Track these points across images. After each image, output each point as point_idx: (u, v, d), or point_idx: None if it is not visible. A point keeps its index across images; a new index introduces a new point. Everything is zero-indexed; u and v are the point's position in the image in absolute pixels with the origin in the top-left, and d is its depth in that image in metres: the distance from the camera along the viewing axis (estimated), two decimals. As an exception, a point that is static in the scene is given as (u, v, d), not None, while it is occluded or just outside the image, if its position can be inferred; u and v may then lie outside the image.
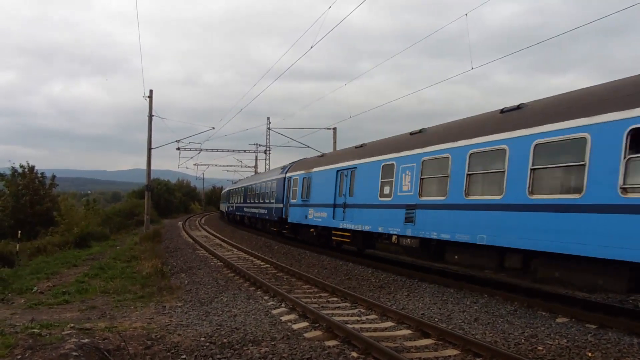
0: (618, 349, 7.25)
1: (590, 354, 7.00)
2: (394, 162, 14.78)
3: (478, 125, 11.97)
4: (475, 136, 11.58)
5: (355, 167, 17.52)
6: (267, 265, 16.70)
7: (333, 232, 19.25)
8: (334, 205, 18.81)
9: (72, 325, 8.04)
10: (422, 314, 9.41)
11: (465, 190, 11.59)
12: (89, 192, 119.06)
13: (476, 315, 9.41)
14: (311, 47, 19.74)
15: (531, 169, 9.80)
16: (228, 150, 57.28)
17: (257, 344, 7.28)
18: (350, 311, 9.71)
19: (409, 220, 13.59)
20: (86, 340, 6.92)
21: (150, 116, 33.01)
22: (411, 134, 15.04)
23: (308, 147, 42.33)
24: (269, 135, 53.13)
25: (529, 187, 9.81)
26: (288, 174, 25.83)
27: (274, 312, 9.54)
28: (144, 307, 10.23)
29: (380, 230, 15.21)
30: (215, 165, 73.42)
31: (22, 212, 37.13)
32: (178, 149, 46.32)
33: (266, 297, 11.05)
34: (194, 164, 77.90)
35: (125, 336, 7.37)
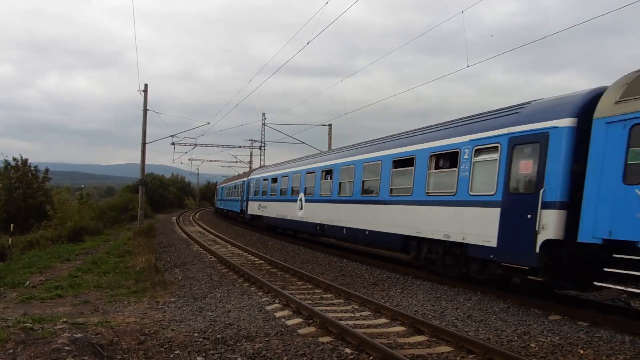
0: (610, 347, 7.30)
1: (582, 352, 7.05)
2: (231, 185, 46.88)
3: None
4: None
5: (223, 186, 54.85)
6: (261, 261, 16.68)
7: (226, 210, 48.72)
8: (220, 200, 56.42)
9: (64, 319, 8.01)
10: (415, 311, 9.44)
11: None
12: (83, 186, 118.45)
13: (469, 312, 9.45)
14: (307, 43, 19.75)
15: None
16: (223, 146, 57.19)
17: (251, 339, 7.27)
18: (344, 307, 9.72)
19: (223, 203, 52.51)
20: (79, 334, 6.89)
21: (145, 110, 32.88)
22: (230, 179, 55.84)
23: (303, 143, 42.37)
24: (264, 131, 53.07)
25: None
26: (218, 186, 63.83)
27: (268, 308, 9.54)
28: (137, 302, 10.21)
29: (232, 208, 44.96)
30: (210, 161, 73.32)
31: (15, 205, 36.87)
32: (173, 143, 46.23)
33: (260, 293, 11.04)
34: (189, 159, 77.73)
35: (118, 331, 7.35)
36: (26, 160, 39.79)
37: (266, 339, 7.32)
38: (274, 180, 27.39)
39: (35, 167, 40.79)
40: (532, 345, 7.34)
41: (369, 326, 8.28)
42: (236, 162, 69.07)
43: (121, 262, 16.57)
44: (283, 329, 7.90)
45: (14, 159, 39.18)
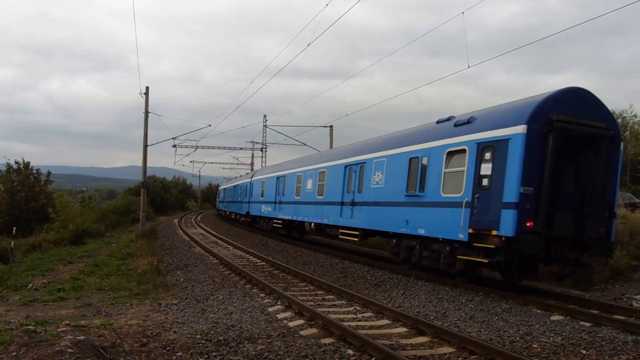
0: (612, 347, 7.30)
1: (584, 352, 7.04)
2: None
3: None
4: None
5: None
6: (263, 263, 16.69)
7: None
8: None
9: (67, 322, 8.03)
10: (417, 312, 9.44)
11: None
12: (85, 188, 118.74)
13: (471, 313, 9.45)
14: (308, 45, 19.69)
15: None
16: (224, 148, 57.30)
17: (253, 341, 7.28)
18: (346, 309, 9.72)
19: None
20: (81, 337, 6.91)
21: (147, 113, 32.92)
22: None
23: (305, 144, 42.36)
24: (266, 133, 53.10)
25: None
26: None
27: (270, 309, 9.54)
28: (139, 304, 10.22)
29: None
30: (212, 163, 73.56)
31: (17, 208, 36.89)
32: (174, 146, 46.22)
33: (262, 295, 11.05)
34: (190, 161, 77.81)
35: (120, 333, 7.36)
36: (28, 163, 39.83)
37: (268, 340, 7.33)
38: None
39: (38, 170, 40.84)
40: (534, 345, 7.33)
41: (371, 327, 8.28)
42: (238, 164, 69.13)
43: (123, 264, 16.59)
44: (285, 331, 7.90)
45: (16, 162, 39.26)
